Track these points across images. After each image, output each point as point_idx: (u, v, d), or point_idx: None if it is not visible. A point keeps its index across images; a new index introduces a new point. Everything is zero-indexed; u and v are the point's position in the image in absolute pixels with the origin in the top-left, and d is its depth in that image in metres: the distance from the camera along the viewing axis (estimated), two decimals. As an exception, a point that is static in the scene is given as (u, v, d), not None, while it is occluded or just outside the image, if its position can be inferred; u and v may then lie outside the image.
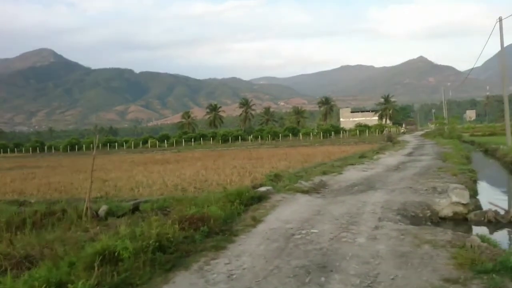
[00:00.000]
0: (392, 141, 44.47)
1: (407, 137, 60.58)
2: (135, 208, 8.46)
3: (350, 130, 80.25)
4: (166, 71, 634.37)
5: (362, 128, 79.62)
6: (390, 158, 20.51)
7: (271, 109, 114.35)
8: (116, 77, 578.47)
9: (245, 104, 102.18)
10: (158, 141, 79.08)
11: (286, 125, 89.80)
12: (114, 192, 12.64)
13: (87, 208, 8.23)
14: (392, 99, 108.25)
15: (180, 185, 13.82)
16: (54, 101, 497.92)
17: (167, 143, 76.75)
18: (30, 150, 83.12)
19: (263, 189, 8.68)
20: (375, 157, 21.25)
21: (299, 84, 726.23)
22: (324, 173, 13.25)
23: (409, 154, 23.84)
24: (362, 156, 21.59)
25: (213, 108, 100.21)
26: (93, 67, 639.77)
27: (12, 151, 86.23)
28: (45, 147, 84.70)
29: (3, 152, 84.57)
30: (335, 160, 22.26)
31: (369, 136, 68.97)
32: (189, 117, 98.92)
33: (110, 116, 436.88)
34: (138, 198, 11.04)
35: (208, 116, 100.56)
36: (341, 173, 13.38)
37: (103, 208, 8.76)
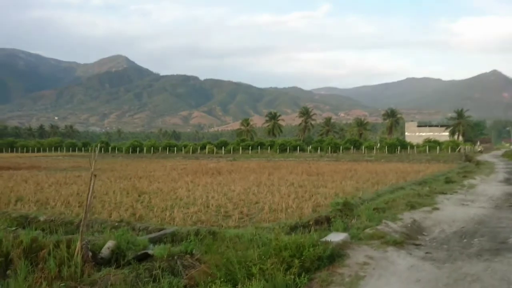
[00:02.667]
0: (470, 161, 39.11)
1: (486, 156, 53.68)
2: (143, 256, 5.88)
3: (418, 146, 73.62)
4: (229, 79, 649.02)
5: (432, 144, 72.66)
6: (487, 186, 16.43)
7: (332, 120, 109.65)
8: (182, 83, 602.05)
9: (305, 113, 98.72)
10: (216, 147, 78.35)
11: (347, 137, 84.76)
12: (143, 211, 10.32)
13: (81, 247, 5.81)
14: (466, 114, 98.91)
15: (224, 207, 11.25)
16: (125, 104, 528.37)
17: (224, 150, 75.65)
18: (96, 150, 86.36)
19: (334, 238, 5.75)
20: (465, 182, 17.24)
21: (360, 95, 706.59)
22: (412, 206, 9.92)
23: (507, 180, 19.40)
24: (449, 181, 17.67)
25: (273, 117, 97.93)
26: (161, 73, 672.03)
27: (80, 149, 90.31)
28: (109, 148, 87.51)
29: (72, 151, 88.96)
30: (413, 182, 18.55)
31: (440, 153, 62.42)
32: (248, 124, 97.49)
33: (174, 120, 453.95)
34: (165, 225, 8.57)
35: (267, 124, 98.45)
36: (436, 208, 9.97)
37: (108, 245, 6.32)
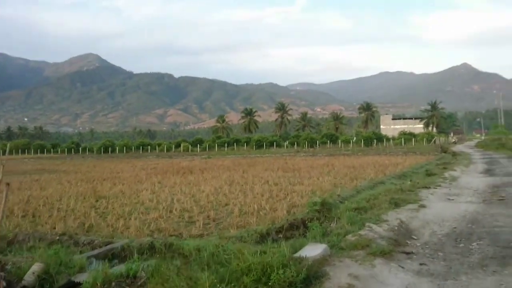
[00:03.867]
0: (446, 152, 39.23)
1: (461, 147, 54.24)
2: (69, 285, 4.64)
3: (393, 138, 74.05)
4: (204, 76, 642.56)
5: (407, 136, 73.16)
6: (469, 178, 15.81)
7: (308, 115, 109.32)
8: (156, 81, 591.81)
9: (281, 108, 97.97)
10: (191, 145, 76.68)
11: (324, 132, 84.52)
12: (94, 220, 9.00)
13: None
14: (439, 106, 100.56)
15: (189, 211, 10.06)
16: (98, 104, 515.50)
17: (199, 148, 74.06)
18: (66, 151, 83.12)
19: (311, 251, 4.64)
20: (446, 174, 16.60)
21: (336, 90, 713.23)
22: (396, 203, 8.98)
23: (488, 171, 18.93)
24: (430, 174, 17.02)
25: (248, 113, 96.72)
26: (135, 71, 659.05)
27: (49, 151, 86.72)
28: (80, 149, 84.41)
29: (40, 152, 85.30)
30: (392, 176, 17.82)
31: (416, 145, 62.81)
32: (223, 121, 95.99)
33: (149, 119, 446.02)
34: (115, 237, 7.32)
35: (243, 120, 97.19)
36: (422, 205, 9.04)
37: (33, 269, 5.04)
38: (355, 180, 16.21)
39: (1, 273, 4.77)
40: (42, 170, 30.25)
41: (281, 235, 7.51)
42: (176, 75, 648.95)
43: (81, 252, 6.42)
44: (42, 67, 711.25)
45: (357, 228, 6.44)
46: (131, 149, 78.60)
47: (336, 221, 7.46)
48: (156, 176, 20.61)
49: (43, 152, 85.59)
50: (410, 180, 14.86)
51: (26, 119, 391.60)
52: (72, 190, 14.87)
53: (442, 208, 8.86)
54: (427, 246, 5.80)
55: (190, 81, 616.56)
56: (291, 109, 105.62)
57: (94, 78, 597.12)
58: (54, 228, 8.24)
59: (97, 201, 12.12)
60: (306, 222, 8.20)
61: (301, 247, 5.27)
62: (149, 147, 79.37)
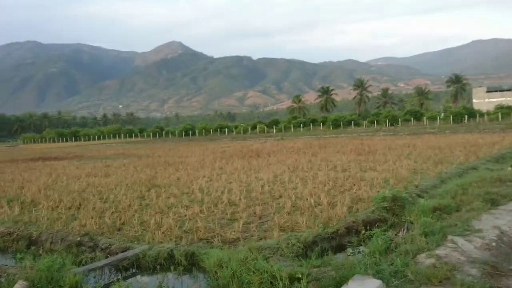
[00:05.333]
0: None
1: None
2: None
3: (488, 113, 65.54)
4: (282, 57, 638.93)
5: (505, 110, 64.04)
6: None
7: (390, 91, 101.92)
8: (236, 65, 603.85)
9: (360, 85, 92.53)
10: (267, 126, 76.24)
11: (407, 108, 77.97)
12: (132, 215, 8.26)
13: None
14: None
15: (236, 205, 8.90)
16: (182, 89, 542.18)
17: (275, 129, 73.24)
18: (151, 135, 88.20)
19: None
20: None
21: (421, 63, 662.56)
22: (493, 201, 6.84)
23: None
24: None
25: (325, 91, 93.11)
26: (215, 56, 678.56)
27: (136, 135, 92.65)
28: (163, 133, 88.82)
29: (129, 137, 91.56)
30: (487, 160, 14.94)
31: (517, 120, 54.79)
32: (299, 101, 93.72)
33: (230, 102, 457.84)
34: (141, 239, 6.38)
35: (319, 100, 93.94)
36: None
37: (18, 286, 4.20)
38: (439, 165, 13.77)
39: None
40: (121, 154, 31.59)
41: (332, 243, 5.96)
42: (254, 57, 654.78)
43: (91, 260, 5.57)
44: (132, 57, 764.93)
45: (435, 242, 4.66)
46: (210, 131, 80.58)
47: (408, 227, 5.68)
48: (221, 161, 19.90)
49: (131, 137, 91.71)
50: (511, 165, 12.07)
51: (120, 106, 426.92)
52: (132, 178, 14.63)
53: None
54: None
55: (268, 63, 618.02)
56: (370, 85, 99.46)
57: (178, 64, 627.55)
58: (85, 225, 7.59)
59: (148, 190, 11.54)
60: (369, 225, 6.53)
61: (347, 274, 3.72)
62: (226, 129, 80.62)
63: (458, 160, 14.88)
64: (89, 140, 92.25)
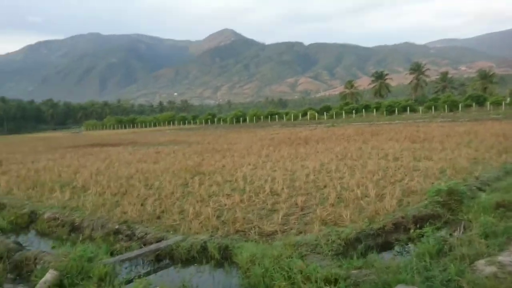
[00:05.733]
0: None
1: None
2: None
3: None
4: (334, 41, 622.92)
5: None
6: None
7: (449, 75, 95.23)
8: (287, 51, 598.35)
9: (416, 69, 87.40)
10: (318, 113, 74.69)
11: (468, 93, 72.38)
12: (173, 203, 8.24)
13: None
14: None
15: (278, 195, 8.60)
16: (235, 76, 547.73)
17: (326, 115, 71.59)
18: (203, 122, 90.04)
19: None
20: None
21: (484, 44, 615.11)
22: None
23: None
24: None
25: (379, 76, 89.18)
26: (266, 43, 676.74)
27: (189, 122, 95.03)
28: (215, 120, 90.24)
29: (183, 124, 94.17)
30: None
31: None
32: (352, 86, 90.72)
33: (281, 88, 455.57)
34: (178, 229, 6.28)
35: (373, 85, 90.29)
36: None
37: (46, 278, 4.23)
38: (504, 154, 12.51)
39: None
40: (173, 141, 32.38)
41: (378, 240, 5.47)
42: (306, 42, 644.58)
43: (126, 249, 5.52)
44: (187, 46, 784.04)
45: (498, 246, 4.04)
46: (260, 118, 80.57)
47: (465, 226, 5.04)
48: (268, 148, 19.65)
49: (185, 123, 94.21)
50: None
51: (175, 94, 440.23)
52: (179, 164, 14.79)
53: None
54: None
55: (320, 48, 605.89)
56: (428, 69, 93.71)
57: (230, 52, 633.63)
58: (126, 213, 7.66)
59: (192, 177, 11.53)
60: (420, 221, 5.93)
61: (388, 283, 3.27)
62: (277, 116, 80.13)
63: (528, 149, 13.45)
64: (145, 126, 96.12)
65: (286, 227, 6.30)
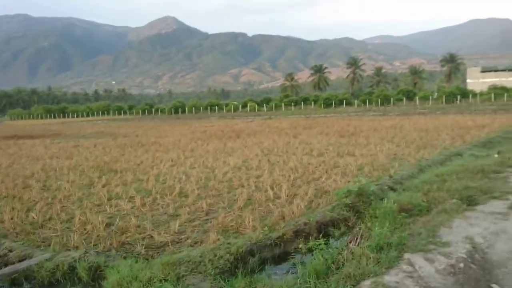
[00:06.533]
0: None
1: None
2: None
3: (481, 94, 64.20)
4: (278, 34, 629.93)
5: (498, 91, 62.54)
6: None
7: (384, 70, 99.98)
8: (231, 41, 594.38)
9: (353, 63, 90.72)
10: (258, 105, 74.77)
11: (400, 88, 76.64)
12: (62, 209, 7.23)
13: None
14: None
15: (186, 196, 7.89)
16: (177, 66, 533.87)
17: (266, 107, 71.88)
18: (140, 113, 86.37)
19: None
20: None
21: (418, 42, 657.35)
22: (470, 199, 5.85)
23: None
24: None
25: (318, 69, 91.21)
26: (210, 32, 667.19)
27: (125, 113, 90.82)
28: (153, 110, 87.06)
29: (118, 114, 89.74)
30: (474, 144, 14.02)
31: (509, 101, 53.67)
32: (292, 79, 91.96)
33: (224, 79, 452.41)
34: (49, 245, 5.37)
35: (312, 78, 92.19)
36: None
37: None
38: (422, 150, 12.83)
39: None
40: (100, 133, 30.42)
41: (275, 251, 4.99)
42: (250, 34, 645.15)
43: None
44: (126, 32, 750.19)
45: (388, 262, 3.68)
46: (200, 109, 79.00)
47: (363, 234, 4.69)
48: (196, 142, 18.86)
49: (121, 114, 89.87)
50: (498, 152, 11.16)
51: (113, 82, 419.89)
52: (95, 161, 13.56)
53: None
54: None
55: (264, 39, 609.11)
56: (365, 64, 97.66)
57: (172, 40, 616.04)
58: (12, 219, 6.57)
59: (100, 176, 10.47)
60: (325, 227, 5.55)
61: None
62: (216, 107, 79.04)
63: (443, 145, 13.96)
64: (77, 117, 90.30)
65: (182, 237, 5.64)
